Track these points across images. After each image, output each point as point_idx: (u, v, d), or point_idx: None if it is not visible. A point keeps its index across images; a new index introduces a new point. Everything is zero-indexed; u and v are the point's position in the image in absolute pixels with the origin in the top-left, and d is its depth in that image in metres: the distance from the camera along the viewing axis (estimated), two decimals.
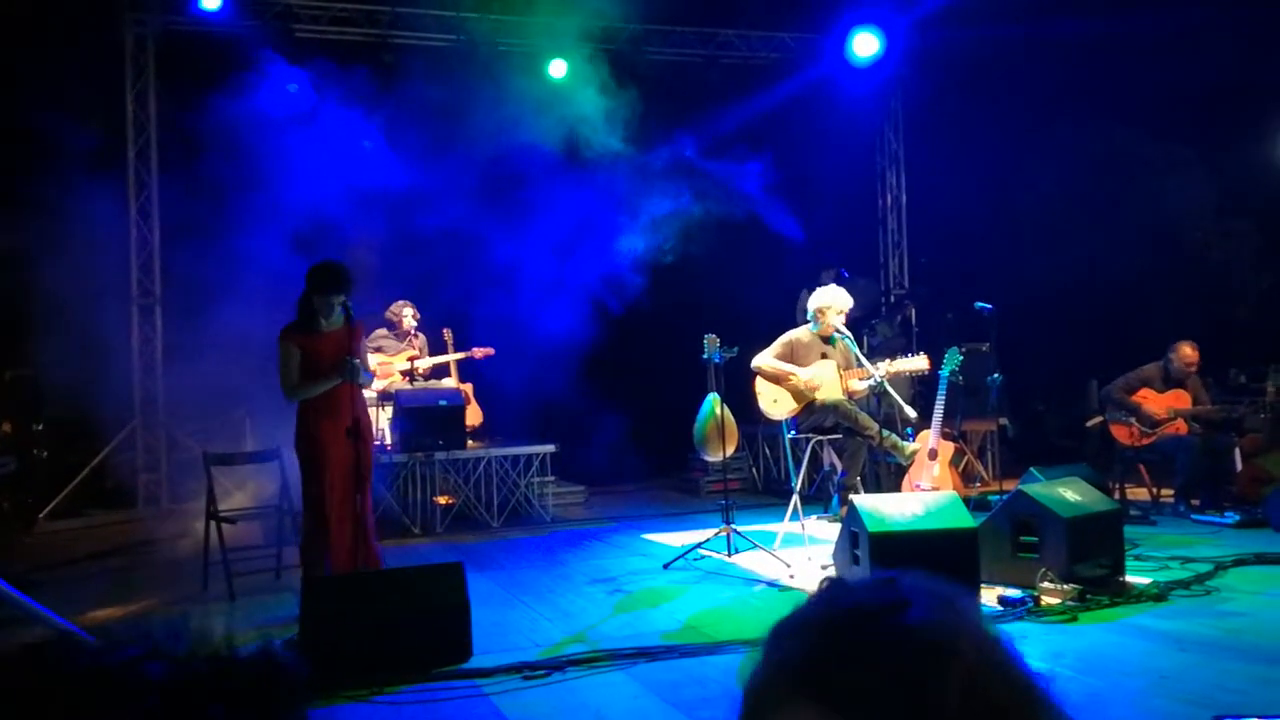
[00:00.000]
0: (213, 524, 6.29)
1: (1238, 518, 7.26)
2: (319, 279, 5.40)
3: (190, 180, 8.90)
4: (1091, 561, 5.38)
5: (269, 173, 8.68)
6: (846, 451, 7.12)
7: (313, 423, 5.45)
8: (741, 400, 7.31)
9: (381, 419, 8.53)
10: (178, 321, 9.57)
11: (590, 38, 10.20)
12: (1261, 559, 5.99)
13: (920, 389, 9.44)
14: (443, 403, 8.31)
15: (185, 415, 9.55)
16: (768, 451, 10.32)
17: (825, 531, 7.20)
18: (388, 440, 8.48)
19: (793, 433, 7.16)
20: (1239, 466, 7.85)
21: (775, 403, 7.10)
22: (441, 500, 8.45)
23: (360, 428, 5.31)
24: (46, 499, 9.02)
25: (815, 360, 7.11)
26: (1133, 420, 7.93)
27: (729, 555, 6.62)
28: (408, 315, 8.81)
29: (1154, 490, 8.27)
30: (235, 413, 9.18)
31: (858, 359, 7.08)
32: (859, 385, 7.02)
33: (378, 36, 10.16)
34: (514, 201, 9.82)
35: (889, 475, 8.04)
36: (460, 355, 9.03)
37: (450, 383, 8.98)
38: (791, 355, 7.12)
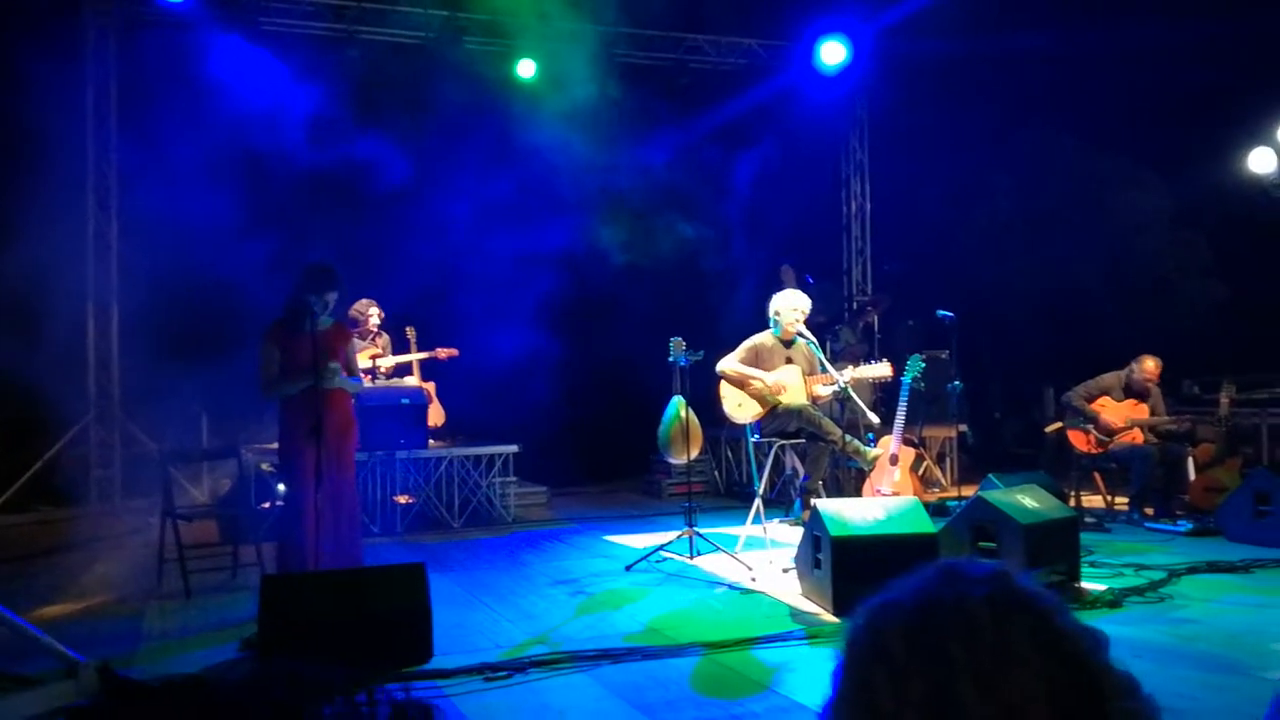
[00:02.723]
0: (168, 521, 6.19)
1: (1190, 526, 7.40)
2: (314, 277, 5.36)
3: (151, 173, 8.78)
4: (1048, 568, 5.44)
5: (233, 166, 8.58)
6: (809, 456, 7.17)
7: (285, 423, 5.42)
8: (706, 403, 7.33)
9: None
10: (135, 317, 9.44)
11: (559, 38, 10.19)
12: (1214, 567, 6.10)
13: (882, 395, 9.52)
14: (405, 401, 8.25)
15: (140, 411, 9.41)
16: (730, 455, 10.35)
17: (787, 535, 7.24)
18: None
19: (756, 437, 7.19)
20: (1192, 476, 8.00)
21: (740, 407, 7.13)
22: (402, 499, 8.39)
23: (322, 427, 5.25)
24: None
25: (780, 365, 7.15)
26: (1090, 428, 8.05)
27: (691, 558, 6.63)
28: (373, 314, 8.74)
29: (1109, 498, 8.40)
30: (191, 408, 9.07)
31: (821, 364, 7.13)
32: (823, 390, 7.06)
33: (344, 31, 10.07)
34: (478, 201, 9.78)
35: (850, 480, 8.10)
36: (424, 355, 8.97)
37: (412, 381, 8.92)
38: (756, 359, 7.16)
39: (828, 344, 9.99)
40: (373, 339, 8.81)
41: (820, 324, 9.32)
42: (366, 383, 8.53)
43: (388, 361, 8.82)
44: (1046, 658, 0.87)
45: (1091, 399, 8.12)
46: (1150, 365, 8.00)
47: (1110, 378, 8.16)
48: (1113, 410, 8.06)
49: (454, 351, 8.99)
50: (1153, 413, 8.06)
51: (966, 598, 0.90)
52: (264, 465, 7.80)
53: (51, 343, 8.51)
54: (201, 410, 9.08)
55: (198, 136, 8.51)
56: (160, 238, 8.61)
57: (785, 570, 6.12)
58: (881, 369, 7.09)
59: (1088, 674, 0.88)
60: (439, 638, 4.61)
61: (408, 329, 9.07)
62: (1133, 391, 8.08)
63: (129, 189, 9.60)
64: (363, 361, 8.63)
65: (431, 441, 8.67)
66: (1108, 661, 0.91)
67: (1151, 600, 5.39)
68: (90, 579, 6.54)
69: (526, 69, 10.31)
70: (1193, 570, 6.03)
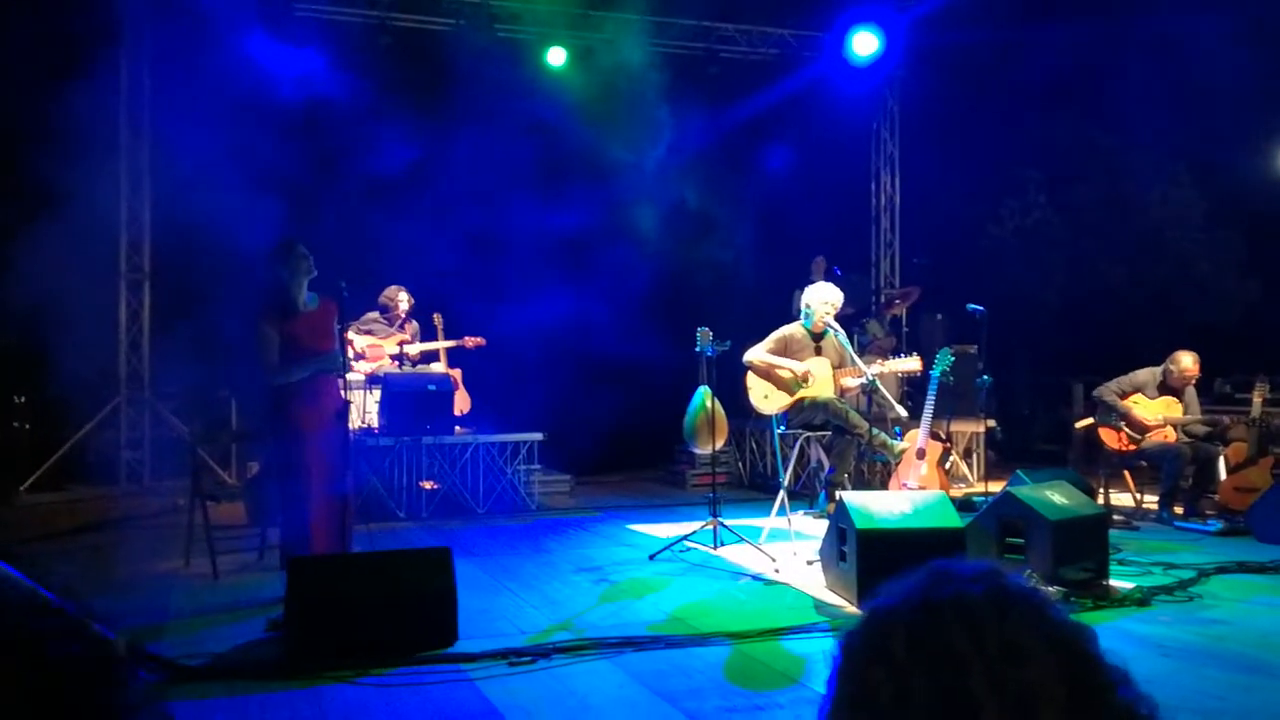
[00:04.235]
0: (197, 502, 6.24)
1: (1220, 526, 7.31)
2: (275, 255, 5.39)
3: (183, 158, 8.84)
4: (1076, 565, 5.40)
5: (264, 153, 8.60)
6: (835, 449, 7.13)
7: (295, 407, 5.36)
8: (732, 394, 7.31)
9: (370, 402, 8.50)
10: (165, 301, 9.53)
11: (590, 27, 10.17)
12: (1244, 567, 6.03)
13: (909, 388, 9.47)
14: (431, 387, 8.28)
15: (170, 393, 9.50)
16: (755, 446, 10.33)
17: (811, 527, 7.23)
18: (374, 423, 8.45)
19: (782, 428, 7.17)
20: (1223, 476, 7.90)
21: (766, 398, 7.11)
22: (427, 485, 8.43)
23: (347, 412, 5.31)
24: (28, 472, 8.96)
25: (809, 357, 7.12)
26: (1123, 424, 7.95)
27: (714, 548, 6.62)
28: (402, 300, 8.78)
29: (1138, 496, 8.31)
30: (220, 391, 9.15)
31: (850, 357, 7.09)
32: (851, 383, 7.03)
33: (377, 19, 10.11)
34: (507, 189, 9.79)
35: (876, 473, 8.06)
36: (451, 343, 9.00)
37: (439, 368, 8.95)
38: (785, 351, 7.13)
39: (854, 337, 9.94)
40: (402, 325, 8.85)
41: (847, 316, 9.26)
42: (392, 368, 8.58)
43: (415, 348, 8.86)
44: (1054, 649, 0.88)
45: (1124, 395, 8.01)
46: (1188, 363, 7.84)
47: (1145, 374, 8.03)
48: (1145, 407, 7.95)
49: (481, 341, 9.01)
50: (1187, 411, 7.92)
51: (965, 595, 0.91)
52: None
53: (83, 325, 8.60)
54: (230, 394, 9.16)
55: (231, 120, 8.54)
56: (191, 222, 8.67)
57: (809, 562, 6.10)
58: (911, 363, 7.03)
59: (1090, 663, 0.90)
60: (463, 622, 4.63)
61: (435, 315, 9.11)
62: (1168, 389, 7.95)
63: (161, 173, 9.69)
64: (391, 347, 8.69)
65: (457, 428, 8.70)
66: (1101, 653, 0.92)
67: (1180, 599, 5.33)
68: (118, 557, 6.62)
69: (557, 57, 10.32)
70: (1222, 570, 5.95)
